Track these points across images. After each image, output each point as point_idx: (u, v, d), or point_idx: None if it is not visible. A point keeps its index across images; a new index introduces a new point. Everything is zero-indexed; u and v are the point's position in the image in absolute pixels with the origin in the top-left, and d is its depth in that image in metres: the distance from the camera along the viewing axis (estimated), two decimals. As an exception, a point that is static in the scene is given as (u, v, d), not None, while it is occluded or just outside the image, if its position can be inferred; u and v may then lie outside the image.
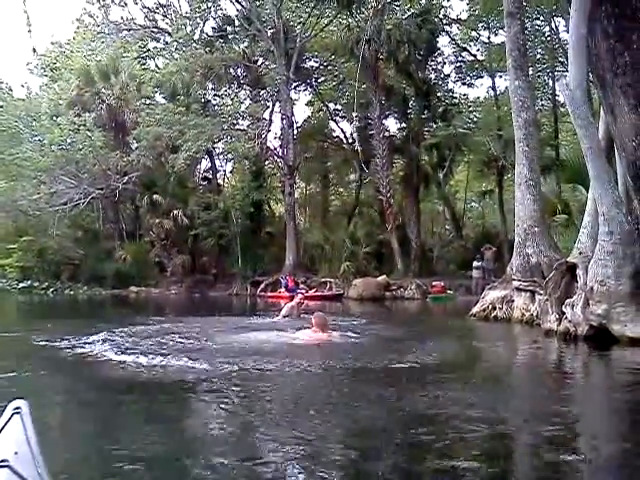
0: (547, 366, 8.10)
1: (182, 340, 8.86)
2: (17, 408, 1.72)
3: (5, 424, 1.65)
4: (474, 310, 14.02)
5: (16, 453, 1.54)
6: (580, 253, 10.10)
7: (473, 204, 42.58)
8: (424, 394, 5.52)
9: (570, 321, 8.92)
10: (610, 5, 8.11)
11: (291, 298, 17.03)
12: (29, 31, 37.54)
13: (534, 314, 11.70)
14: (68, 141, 29.83)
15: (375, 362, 7.06)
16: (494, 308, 13.35)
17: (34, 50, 36.72)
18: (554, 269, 10.53)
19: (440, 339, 9.85)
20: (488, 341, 10.58)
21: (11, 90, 36.68)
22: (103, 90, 30.96)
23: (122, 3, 34.97)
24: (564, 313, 9.21)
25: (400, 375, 6.51)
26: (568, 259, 10.51)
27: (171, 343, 8.60)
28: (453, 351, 8.54)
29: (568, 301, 9.24)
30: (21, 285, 30.57)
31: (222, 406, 5.11)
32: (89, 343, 8.52)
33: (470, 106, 36.36)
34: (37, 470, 1.58)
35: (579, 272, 9.58)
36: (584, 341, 8.59)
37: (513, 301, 12.98)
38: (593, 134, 8.09)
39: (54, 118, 31.63)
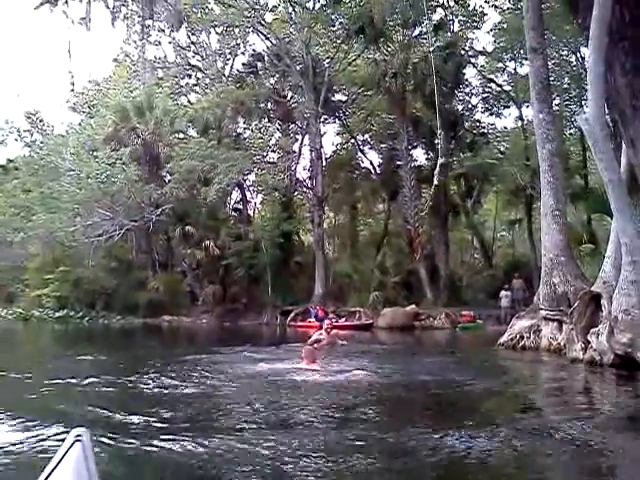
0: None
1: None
2: (78, 436, 1.70)
3: (66, 452, 1.65)
4: (502, 339, 14.07)
5: None
6: (604, 282, 10.23)
7: (503, 233, 42.43)
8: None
9: (595, 350, 9.03)
10: (627, 42, 8.37)
11: (320, 327, 17.28)
12: (72, 84, 38.58)
13: (561, 343, 11.77)
14: (104, 175, 30.80)
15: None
16: (522, 337, 13.40)
17: (72, 84, 38.04)
18: (578, 298, 10.65)
19: (467, 372, 9.92)
20: (513, 375, 10.59)
21: (52, 127, 38.11)
22: (138, 126, 31.97)
23: (156, 42, 36.29)
24: (589, 342, 9.31)
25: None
26: (592, 288, 10.64)
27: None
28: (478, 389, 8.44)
29: (593, 330, 9.35)
30: (57, 314, 31.37)
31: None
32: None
33: (498, 136, 36.58)
34: None
35: (603, 302, 9.71)
36: (610, 369, 8.68)
37: (541, 330, 13.04)
38: (614, 167, 8.29)
39: (91, 153, 32.80)
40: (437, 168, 22.90)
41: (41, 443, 4.81)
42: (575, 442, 5.06)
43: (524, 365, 11.36)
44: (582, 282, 12.54)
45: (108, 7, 27.48)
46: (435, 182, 23.88)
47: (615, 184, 8.17)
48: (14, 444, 4.83)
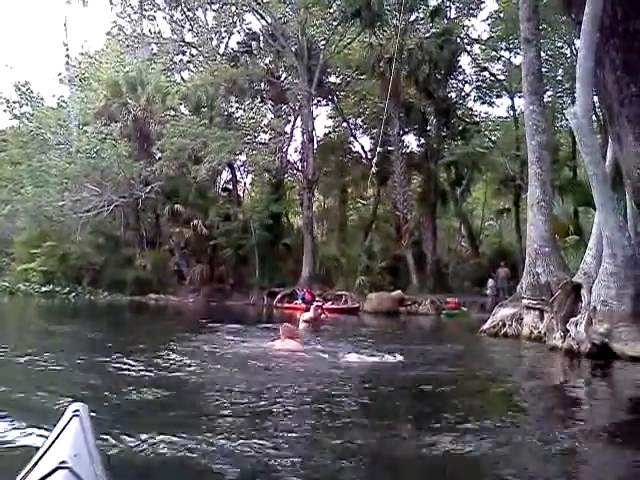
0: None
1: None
2: (76, 411, 1.72)
3: (65, 426, 1.67)
4: (484, 327, 14.34)
5: (75, 455, 1.57)
6: (585, 274, 10.48)
7: (491, 222, 42.75)
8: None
9: (574, 339, 9.29)
10: (617, 39, 8.54)
11: (307, 309, 17.48)
12: (67, 56, 38.11)
13: (542, 331, 12.04)
14: (94, 150, 30.62)
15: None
16: (504, 325, 13.68)
17: (67, 57, 37.65)
18: (559, 288, 10.91)
19: (445, 356, 10.16)
20: (488, 357, 10.89)
21: (42, 99, 37.70)
22: (130, 101, 31.76)
23: (151, 17, 35.88)
24: (568, 331, 9.58)
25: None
26: (573, 279, 10.90)
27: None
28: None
29: (572, 319, 9.62)
30: (43, 289, 31.30)
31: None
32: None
33: (490, 125, 36.75)
34: (96, 472, 1.59)
35: (583, 292, 9.96)
36: (586, 358, 8.96)
37: (522, 319, 13.32)
38: (598, 161, 8.48)
39: (82, 127, 32.55)
40: (376, 156, 23.19)
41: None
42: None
43: (502, 352, 11.66)
44: (565, 273, 12.78)
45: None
46: (373, 170, 24.14)
47: (599, 178, 8.35)
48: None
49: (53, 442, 1.62)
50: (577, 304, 10.15)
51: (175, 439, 4.23)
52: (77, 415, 1.69)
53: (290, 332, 9.78)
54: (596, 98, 10.61)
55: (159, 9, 35.23)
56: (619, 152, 9.09)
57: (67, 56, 37.52)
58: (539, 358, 10.36)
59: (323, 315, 15.40)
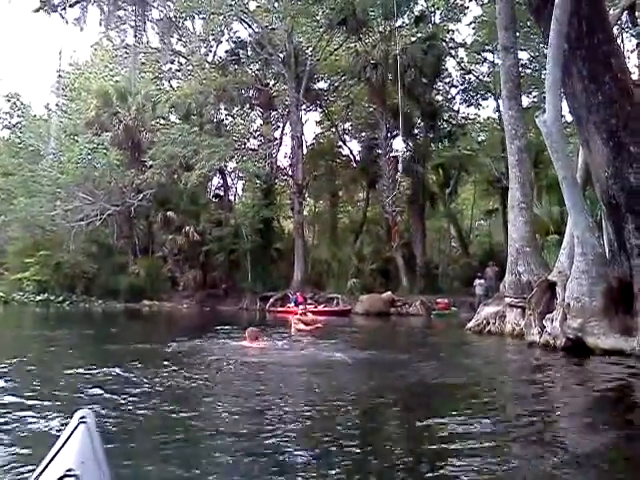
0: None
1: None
2: (83, 418, 1.70)
3: (71, 433, 1.66)
4: (469, 325, 14.85)
5: (82, 462, 1.55)
6: (560, 272, 10.99)
7: (481, 222, 43.20)
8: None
9: (550, 334, 9.78)
10: (584, 50, 9.05)
11: (297, 313, 17.98)
12: (58, 82, 38.60)
13: (524, 328, 12.52)
14: (86, 159, 30.93)
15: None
16: (488, 323, 14.19)
17: (58, 81, 38.19)
18: (536, 286, 11.41)
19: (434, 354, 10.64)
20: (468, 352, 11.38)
21: (31, 108, 38.02)
22: (120, 111, 32.09)
23: (140, 28, 36.10)
24: (545, 327, 10.07)
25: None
26: (549, 277, 11.41)
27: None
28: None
29: (548, 316, 10.12)
30: (38, 298, 31.56)
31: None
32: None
33: (476, 127, 37.26)
34: None
35: (558, 289, 10.47)
36: (562, 352, 9.44)
37: (505, 316, 13.80)
38: (568, 165, 8.98)
39: (73, 137, 32.86)
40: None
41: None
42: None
43: (483, 348, 12.20)
44: (545, 271, 13.26)
45: (103, 13, 27.17)
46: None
47: (569, 181, 8.84)
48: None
49: (60, 449, 1.62)
50: (553, 301, 10.66)
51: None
52: (84, 422, 1.70)
53: (254, 335, 10.70)
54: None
55: (149, 20, 35.45)
56: (588, 156, 9.60)
57: (58, 81, 38.01)
58: (516, 353, 10.85)
59: (313, 322, 15.77)
